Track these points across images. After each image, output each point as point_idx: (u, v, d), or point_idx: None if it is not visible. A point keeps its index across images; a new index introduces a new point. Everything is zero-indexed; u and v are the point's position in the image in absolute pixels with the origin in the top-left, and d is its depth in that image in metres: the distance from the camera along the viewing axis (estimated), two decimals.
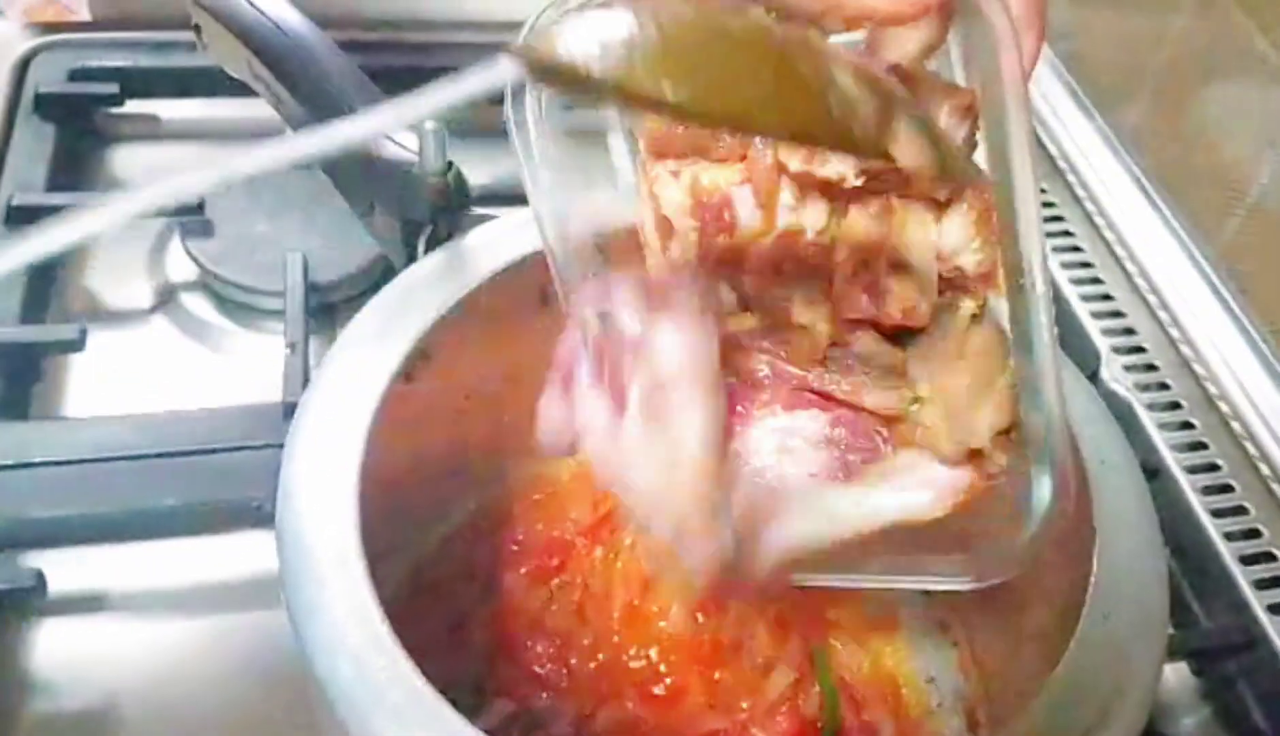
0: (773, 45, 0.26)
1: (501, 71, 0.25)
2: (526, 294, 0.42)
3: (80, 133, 0.68)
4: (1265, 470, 0.58)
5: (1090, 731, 0.31)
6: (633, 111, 0.27)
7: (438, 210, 0.42)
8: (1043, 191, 0.73)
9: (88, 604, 0.48)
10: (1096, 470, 0.38)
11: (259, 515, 0.49)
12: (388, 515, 0.35)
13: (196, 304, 0.61)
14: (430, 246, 0.42)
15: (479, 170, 0.69)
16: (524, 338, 0.44)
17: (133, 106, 0.69)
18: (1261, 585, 0.54)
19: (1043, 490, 0.30)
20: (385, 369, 0.37)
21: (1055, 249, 0.69)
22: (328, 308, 0.59)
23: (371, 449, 0.35)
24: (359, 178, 0.44)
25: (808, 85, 0.26)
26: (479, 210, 0.46)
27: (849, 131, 0.27)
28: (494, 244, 0.41)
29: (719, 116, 0.26)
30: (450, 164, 0.42)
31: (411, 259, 0.42)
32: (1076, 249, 0.70)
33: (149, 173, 0.68)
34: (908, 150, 0.28)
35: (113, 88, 0.68)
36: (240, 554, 0.49)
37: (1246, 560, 0.54)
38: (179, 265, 0.62)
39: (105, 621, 0.47)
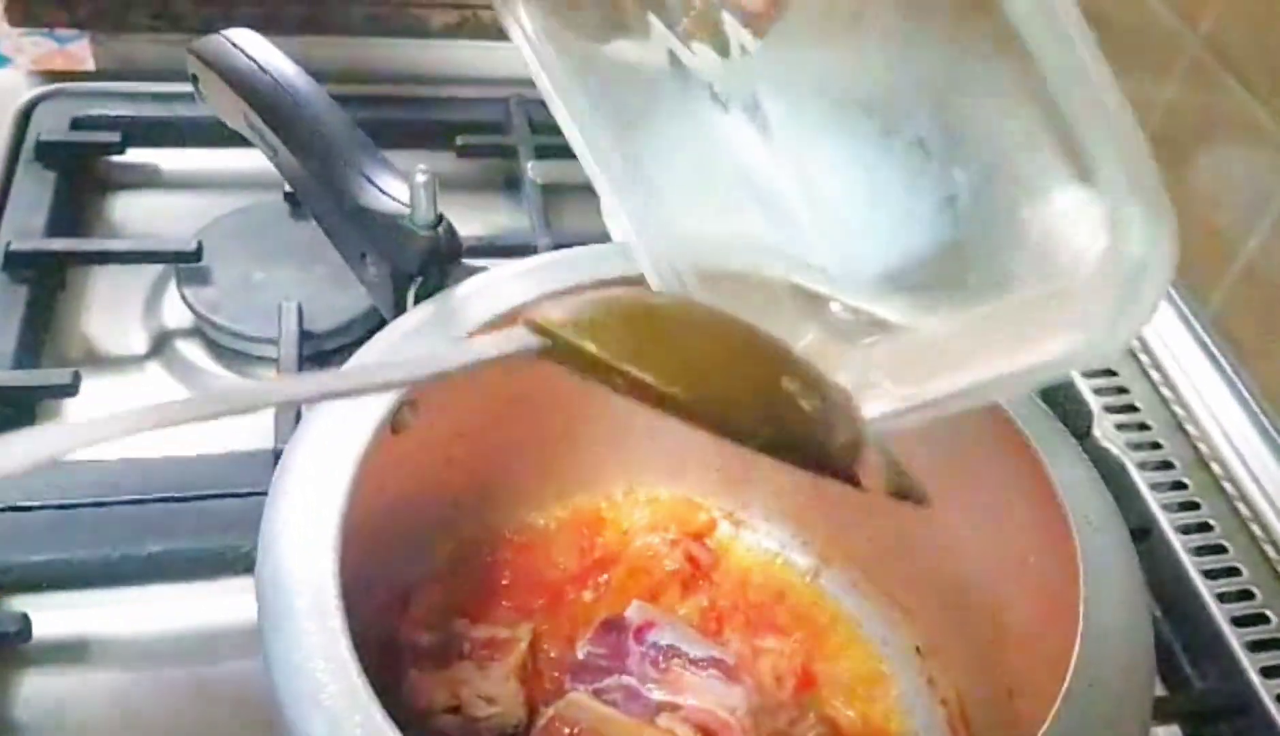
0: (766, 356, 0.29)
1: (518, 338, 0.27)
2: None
3: (81, 180, 0.69)
4: (1258, 531, 0.58)
5: None
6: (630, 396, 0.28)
7: (428, 261, 0.43)
8: None
9: (73, 649, 0.47)
10: (1083, 530, 0.38)
11: (247, 562, 0.49)
12: (366, 561, 0.35)
13: (191, 350, 0.61)
14: (420, 297, 0.42)
15: (470, 223, 0.71)
16: (512, 387, 0.44)
17: (133, 155, 0.70)
18: (1254, 647, 0.53)
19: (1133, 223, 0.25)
20: (371, 418, 0.37)
21: None
22: (321, 356, 0.60)
23: (355, 499, 0.35)
24: (351, 228, 0.45)
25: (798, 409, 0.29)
26: (470, 261, 0.46)
27: (825, 448, 0.29)
28: (484, 294, 0.41)
29: (710, 417, 0.28)
30: (441, 216, 0.43)
31: (401, 309, 0.43)
32: None
33: (148, 220, 0.69)
34: (869, 473, 0.30)
35: (114, 137, 0.69)
36: (227, 602, 0.49)
37: (1239, 622, 0.54)
38: (174, 311, 0.62)
39: (90, 668, 0.47)
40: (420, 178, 0.42)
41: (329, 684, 0.30)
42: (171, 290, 0.63)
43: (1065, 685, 0.34)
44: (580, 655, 0.43)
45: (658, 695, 0.41)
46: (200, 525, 0.50)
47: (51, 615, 0.47)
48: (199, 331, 0.61)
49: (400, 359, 0.25)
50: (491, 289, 0.42)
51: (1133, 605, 0.36)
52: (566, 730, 0.39)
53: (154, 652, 0.48)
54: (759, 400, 0.28)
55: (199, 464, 0.52)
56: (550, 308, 0.27)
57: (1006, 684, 0.42)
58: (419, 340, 0.40)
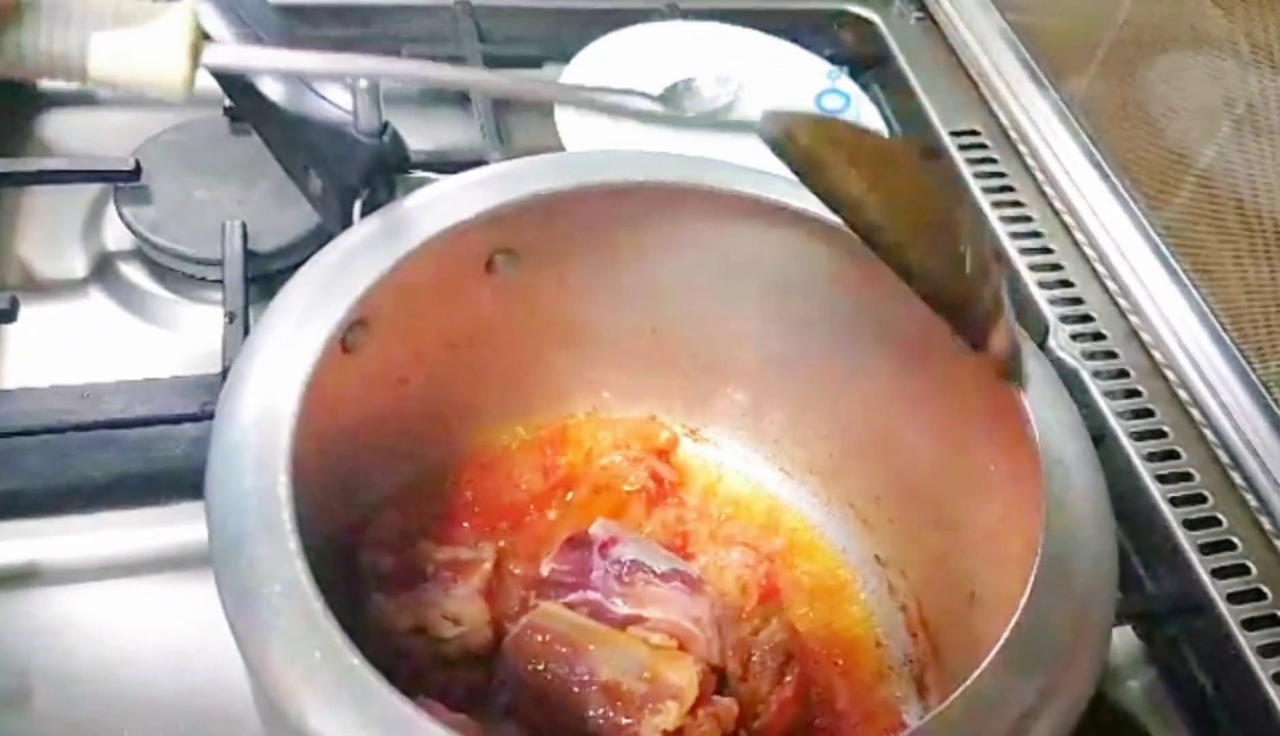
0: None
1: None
2: (469, 259, 0.41)
3: (9, 97, 0.65)
4: (1211, 436, 0.58)
5: (1042, 696, 0.31)
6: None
7: (373, 172, 0.41)
8: (993, 161, 0.73)
9: (22, 576, 0.46)
10: (1046, 433, 0.37)
11: (196, 486, 0.48)
12: (323, 484, 0.33)
13: (133, 273, 0.59)
14: (367, 210, 0.40)
15: (420, 138, 0.68)
16: (467, 304, 0.43)
17: None
18: (1206, 550, 0.54)
19: None
20: (319, 336, 0.36)
21: (1005, 219, 0.69)
22: (268, 276, 0.57)
23: (306, 419, 0.34)
24: (292, 139, 0.43)
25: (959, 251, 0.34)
26: (418, 173, 0.44)
27: (974, 298, 0.34)
28: (434, 205, 0.40)
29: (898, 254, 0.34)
30: (386, 124, 0.41)
31: (347, 222, 0.41)
32: (1026, 218, 0.70)
33: (82, 138, 0.66)
34: (999, 341, 0.35)
35: None
36: (178, 525, 0.48)
37: (1191, 525, 0.55)
38: (114, 232, 0.60)
39: (40, 593, 0.46)
40: (363, 82, 0.39)
41: (285, 609, 0.29)
42: (110, 211, 0.60)
43: (1029, 587, 0.34)
44: (545, 572, 0.42)
45: (623, 609, 0.40)
46: (148, 449, 0.48)
47: (1, 544, 0.46)
48: (140, 253, 0.59)
49: None
50: (441, 200, 0.40)
51: (1096, 509, 0.36)
52: (539, 638, 0.39)
53: (105, 577, 0.47)
54: (939, 250, 0.34)
55: (148, 388, 0.50)
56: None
57: (968, 588, 0.42)
58: (367, 255, 0.38)
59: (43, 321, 0.55)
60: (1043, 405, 0.38)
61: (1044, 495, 0.35)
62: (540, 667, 0.38)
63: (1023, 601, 0.33)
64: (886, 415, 0.46)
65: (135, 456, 0.48)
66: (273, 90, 0.43)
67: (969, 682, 0.31)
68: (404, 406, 0.42)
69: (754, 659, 0.40)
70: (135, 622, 0.45)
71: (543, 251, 0.42)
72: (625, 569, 0.41)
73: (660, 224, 0.43)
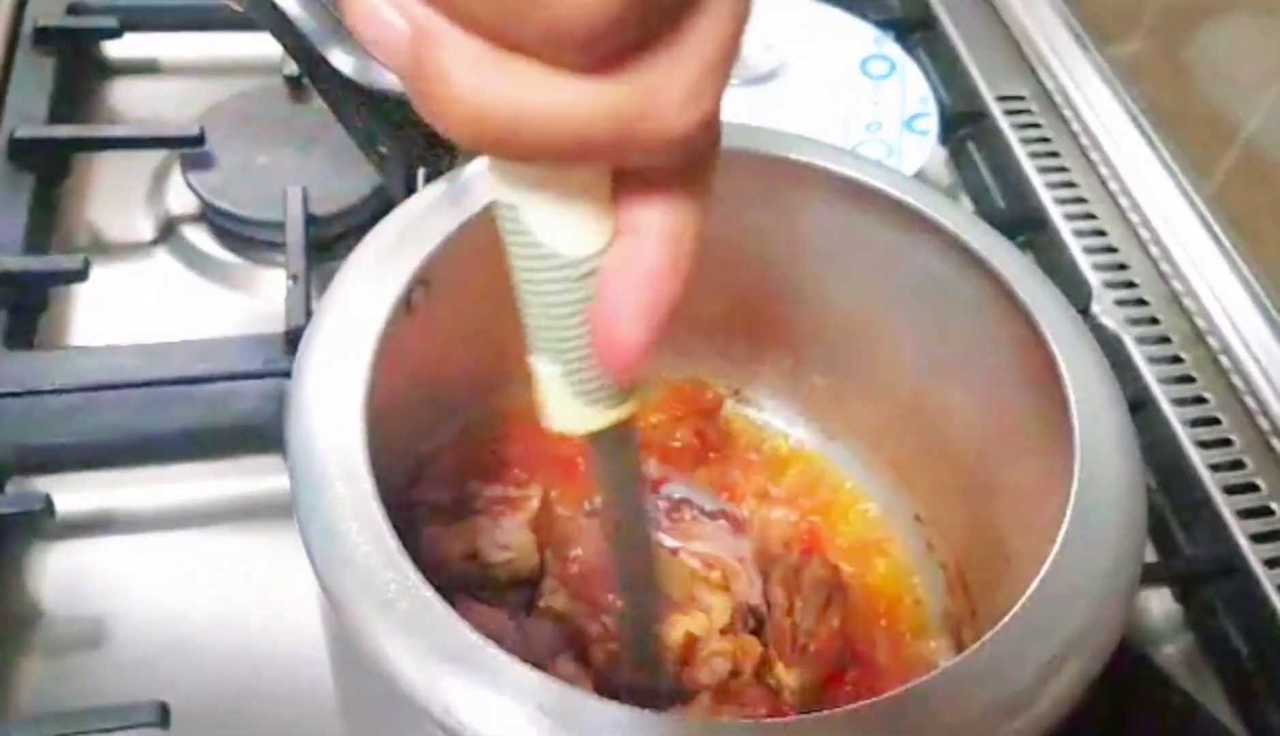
0: None
1: None
2: None
3: (79, 66, 0.68)
4: (1251, 403, 0.59)
5: (1068, 645, 0.32)
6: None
7: (436, 141, 0.42)
8: (1038, 125, 0.73)
9: (95, 525, 0.49)
10: (1080, 400, 0.38)
11: (261, 440, 0.50)
12: (389, 433, 0.35)
13: (198, 236, 0.61)
14: (430, 178, 0.42)
15: None
16: None
17: (131, 40, 0.69)
18: (1244, 515, 0.55)
19: None
20: (387, 298, 0.38)
21: (1050, 184, 0.69)
22: (327, 240, 0.60)
23: (376, 374, 0.36)
24: (357, 108, 0.44)
25: None
26: None
27: None
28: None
29: None
30: None
31: (411, 189, 0.42)
32: (1071, 184, 0.70)
33: (148, 106, 0.68)
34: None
35: (111, 21, 0.68)
36: (243, 477, 0.50)
37: (1230, 490, 0.56)
38: (180, 197, 0.62)
39: (112, 542, 0.48)
40: None
41: (362, 545, 0.31)
42: (176, 176, 0.62)
43: (1056, 546, 0.35)
44: (594, 505, 0.44)
45: (669, 542, 0.42)
46: (218, 405, 0.51)
47: (74, 495, 0.48)
48: (204, 217, 0.61)
49: None
50: None
51: (1128, 472, 0.37)
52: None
53: (173, 526, 0.49)
54: None
55: (215, 347, 0.52)
56: None
57: (1003, 549, 0.43)
58: (432, 219, 0.40)
59: (112, 282, 0.58)
60: (1080, 372, 0.39)
61: (1078, 459, 0.36)
62: (581, 555, 0.40)
63: (1051, 557, 0.34)
64: (926, 379, 0.47)
65: (204, 412, 0.51)
66: (342, 61, 0.44)
67: (995, 630, 0.32)
68: (460, 363, 0.44)
69: (799, 593, 0.42)
70: (202, 572, 0.48)
71: None
72: (673, 505, 0.42)
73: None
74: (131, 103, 0.68)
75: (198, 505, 0.50)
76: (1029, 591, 0.33)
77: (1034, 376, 0.40)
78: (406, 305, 0.40)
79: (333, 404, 0.34)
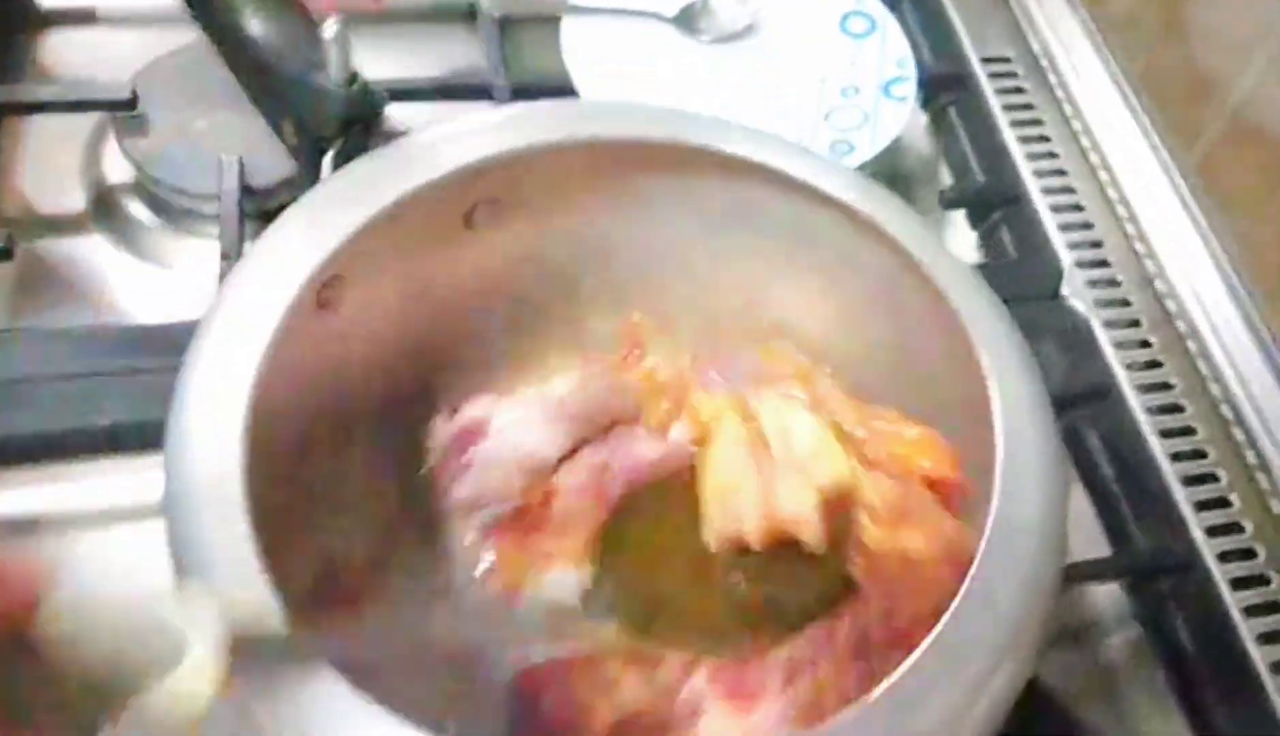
0: None
1: None
2: (445, 213, 0.41)
3: (9, 17, 0.65)
4: (1216, 391, 0.58)
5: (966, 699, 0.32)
6: None
7: (346, 124, 0.40)
8: (1022, 90, 0.71)
9: (24, 524, 0.48)
10: (1008, 419, 0.37)
11: None
12: (288, 442, 0.35)
13: (133, 206, 0.59)
14: (339, 163, 0.40)
15: (423, 59, 0.67)
16: (444, 260, 0.43)
17: None
18: (1201, 506, 0.54)
19: None
20: (288, 292, 0.36)
21: (1031, 155, 0.68)
22: (267, 212, 0.58)
23: (271, 374, 0.35)
24: (264, 85, 0.42)
25: None
26: (410, 108, 0.42)
27: None
28: (406, 160, 0.39)
29: None
30: (355, 75, 0.40)
31: (316, 177, 0.41)
32: (1052, 154, 0.68)
33: (84, 61, 0.65)
34: None
35: None
36: None
37: (1189, 480, 0.55)
38: (115, 164, 0.60)
39: (43, 540, 0.47)
40: (330, 31, 0.39)
41: (222, 561, 0.31)
42: (112, 141, 0.60)
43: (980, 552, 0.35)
44: None
45: None
46: (145, 396, 0.49)
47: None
48: (139, 185, 0.60)
49: None
50: (414, 154, 0.40)
51: (1049, 514, 0.36)
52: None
53: (105, 521, 0.48)
54: None
55: (146, 334, 0.51)
56: None
57: None
58: (334, 213, 0.38)
59: (40, 257, 0.56)
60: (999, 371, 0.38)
61: (996, 498, 0.36)
62: None
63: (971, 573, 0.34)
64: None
65: (134, 404, 0.49)
66: (253, 28, 0.42)
67: (921, 651, 0.32)
68: (384, 362, 0.43)
69: None
70: (132, 568, 0.47)
71: (521, 204, 0.42)
72: None
73: (644, 179, 0.43)
74: (65, 57, 0.66)
75: (132, 502, 0.49)
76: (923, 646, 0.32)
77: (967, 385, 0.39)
78: (318, 301, 0.39)
79: (214, 423, 0.33)
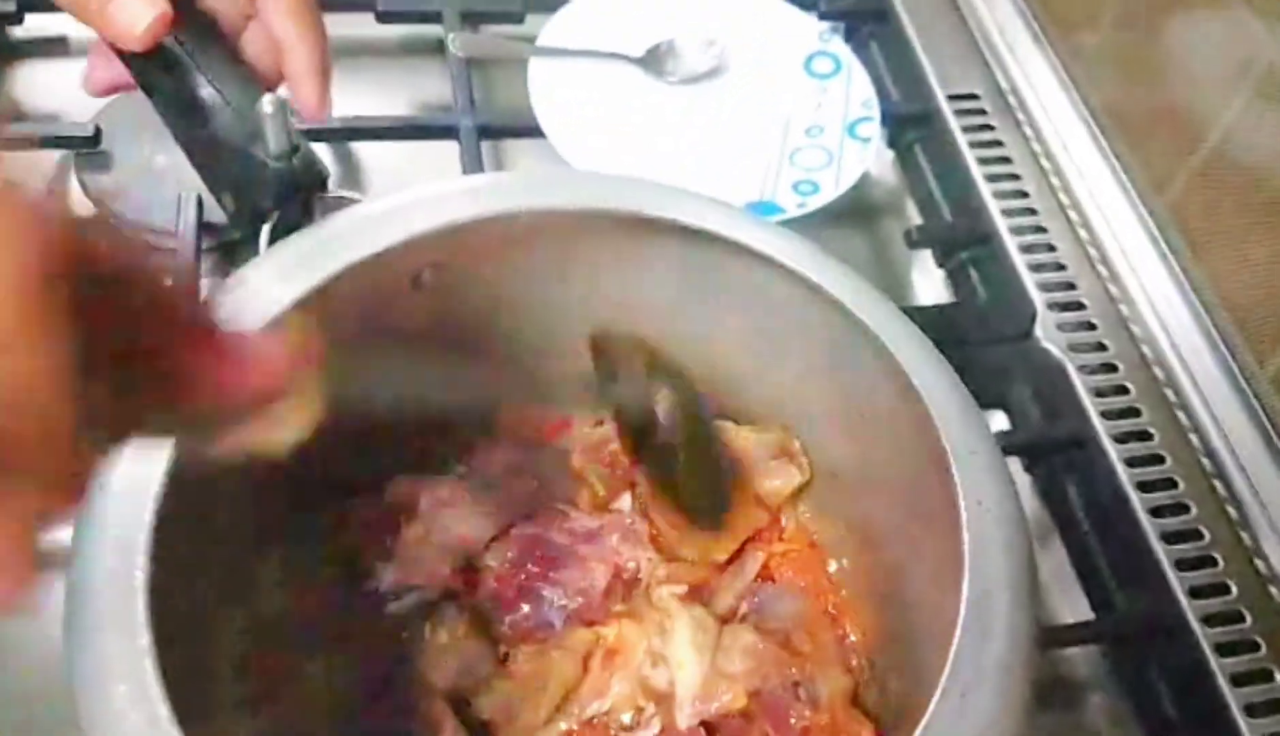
0: None
1: None
2: (389, 282, 0.34)
3: None
4: (1196, 441, 0.51)
5: None
6: None
7: (284, 196, 0.34)
8: (991, 127, 0.64)
9: None
10: (971, 510, 0.31)
11: None
12: (193, 550, 0.28)
13: None
14: (276, 236, 0.34)
15: (392, 97, 0.61)
16: (382, 342, 0.36)
17: (32, 22, 0.59)
18: (1184, 565, 0.47)
19: None
20: None
21: (1000, 194, 0.61)
22: (226, 247, 0.51)
23: (176, 481, 0.28)
24: (203, 155, 0.37)
25: None
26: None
27: None
28: (344, 236, 0.32)
29: None
30: (298, 147, 0.34)
31: (255, 250, 0.35)
32: (1022, 193, 0.61)
33: (51, 94, 0.59)
34: None
35: (8, 5, 0.59)
36: None
37: (1170, 537, 0.48)
38: (78, 199, 0.53)
39: None
40: (268, 107, 0.33)
41: (131, 713, 0.24)
42: (73, 178, 0.54)
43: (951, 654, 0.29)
44: None
45: None
46: None
47: None
48: None
49: None
50: (353, 231, 0.33)
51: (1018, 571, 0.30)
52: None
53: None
54: None
55: None
56: None
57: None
58: (264, 293, 0.31)
59: None
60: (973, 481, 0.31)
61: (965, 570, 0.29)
62: None
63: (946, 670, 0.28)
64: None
65: None
66: (199, 94, 0.36)
67: None
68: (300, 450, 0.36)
69: None
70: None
71: (462, 276, 0.35)
72: None
73: (591, 247, 0.36)
74: (34, 91, 0.59)
75: None
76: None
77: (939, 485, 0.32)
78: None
79: (117, 528, 0.26)
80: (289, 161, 0.34)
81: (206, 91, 0.36)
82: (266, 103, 0.33)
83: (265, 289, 0.32)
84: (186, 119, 0.36)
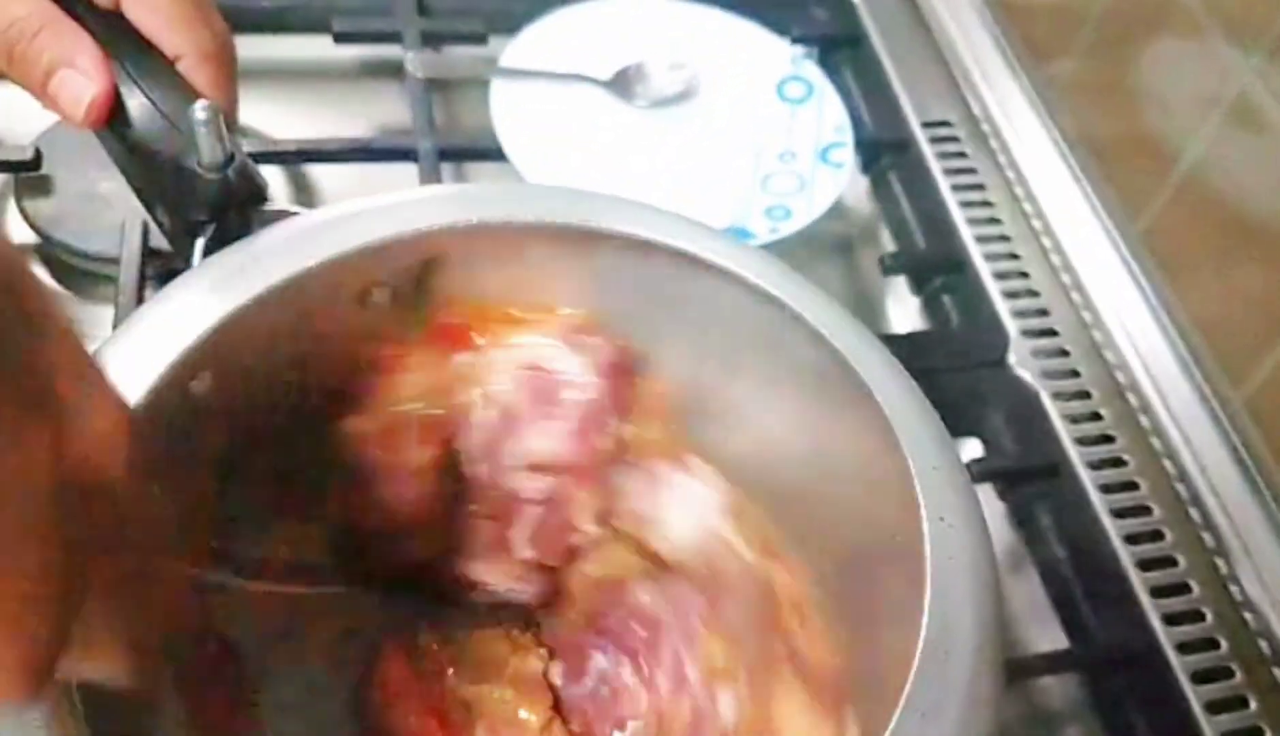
0: None
1: None
2: (332, 295, 0.35)
3: None
4: (1170, 467, 0.53)
5: None
6: None
7: (219, 209, 0.35)
8: (964, 155, 0.67)
9: None
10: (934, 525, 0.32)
11: None
12: None
13: (35, 270, 0.53)
14: (210, 249, 0.35)
15: (352, 118, 0.62)
16: (321, 355, 0.37)
17: None
18: (1159, 592, 0.49)
19: None
20: (146, 385, 0.31)
21: (973, 220, 0.63)
22: (173, 275, 0.52)
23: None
24: (132, 165, 0.37)
25: None
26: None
27: None
28: (282, 248, 0.34)
29: None
30: (233, 157, 0.35)
31: (188, 263, 0.35)
32: (995, 220, 0.63)
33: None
34: None
35: None
36: None
37: (1145, 564, 0.49)
38: (17, 226, 0.54)
39: None
40: (200, 113, 0.34)
41: None
42: (12, 205, 0.54)
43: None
44: None
45: None
46: None
47: None
48: (40, 249, 0.54)
49: None
50: (291, 242, 0.34)
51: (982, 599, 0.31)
52: None
53: None
54: None
55: None
56: None
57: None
58: (194, 307, 0.32)
59: None
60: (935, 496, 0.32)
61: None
62: None
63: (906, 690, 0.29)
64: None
65: None
66: (129, 105, 0.37)
67: None
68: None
69: None
70: None
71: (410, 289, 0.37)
72: None
73: (552, 261, 0.38)
74: None
75: None
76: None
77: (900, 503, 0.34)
78: (186, 393, 0.33)
79: None
80: (223, 172, 0.35)
81: (136, 100, 0.36)
82: (199, 109, 0.33)
83: (196, 302, 0.33)
84: (116, 128, 0.37)
